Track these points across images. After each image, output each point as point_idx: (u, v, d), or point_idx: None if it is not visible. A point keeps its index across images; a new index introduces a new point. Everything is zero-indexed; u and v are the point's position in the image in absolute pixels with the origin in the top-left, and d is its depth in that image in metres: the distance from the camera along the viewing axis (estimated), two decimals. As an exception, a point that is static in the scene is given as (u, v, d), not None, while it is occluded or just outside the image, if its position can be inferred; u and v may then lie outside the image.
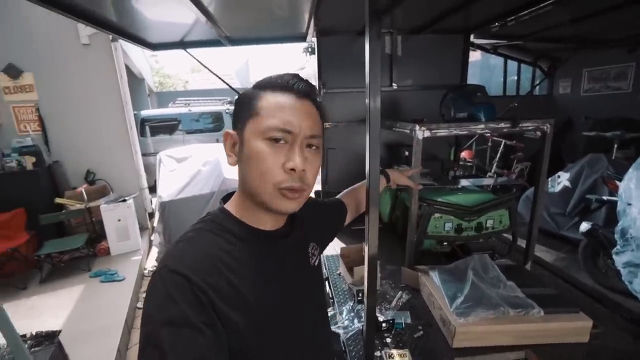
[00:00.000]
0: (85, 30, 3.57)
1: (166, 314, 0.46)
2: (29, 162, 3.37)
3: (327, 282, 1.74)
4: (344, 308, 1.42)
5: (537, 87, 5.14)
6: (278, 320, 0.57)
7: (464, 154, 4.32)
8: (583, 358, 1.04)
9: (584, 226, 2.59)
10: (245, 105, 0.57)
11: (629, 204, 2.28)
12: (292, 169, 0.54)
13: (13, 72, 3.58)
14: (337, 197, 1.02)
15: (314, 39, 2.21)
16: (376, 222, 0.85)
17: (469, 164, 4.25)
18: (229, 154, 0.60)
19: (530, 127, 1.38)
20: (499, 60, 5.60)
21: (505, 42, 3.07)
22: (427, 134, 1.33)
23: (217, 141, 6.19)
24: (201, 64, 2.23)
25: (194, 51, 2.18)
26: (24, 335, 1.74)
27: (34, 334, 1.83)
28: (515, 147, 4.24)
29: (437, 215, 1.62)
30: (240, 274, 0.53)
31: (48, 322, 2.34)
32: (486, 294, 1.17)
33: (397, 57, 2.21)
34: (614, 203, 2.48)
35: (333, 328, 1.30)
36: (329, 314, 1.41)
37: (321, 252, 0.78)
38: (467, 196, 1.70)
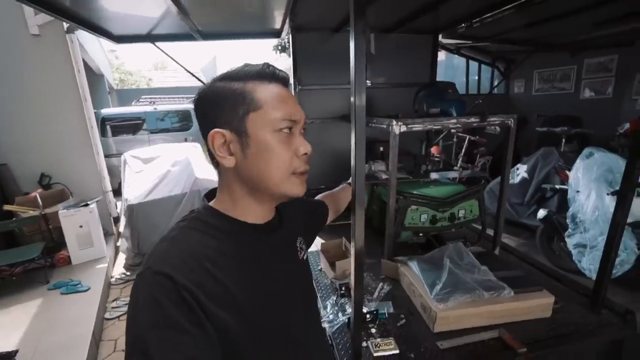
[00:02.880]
0: (34, 19, 3.25)
1: (151, 317, 0.44)
2: (-31, 165, 3.02)
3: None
4: (327, 302, 1.44)
5: (496, 87, 5.51)
6: (269, 315, 0.56)
7: (432, 150, 4.53)
8: (548, 330, 1.15)
9: (541, 213, 2.84)
10: (232, 100, 0.54)
11: (578, 191, 2.54)
12: (305, 154, 0.58)
13: (-54, 65, 3.18)
14: (316, 198, 1.04)
15: (289, 36, 2.20)
16: (362, 218, 0.87)
17: (437, 159, 4.46)
18: (223, 155, 0.56)
19: (497, 122, 1.49)
20: (462, 61, 5.93)
21: (470, 42, 3.26)
22: (403, 128, 1.39)
23: (186, 140, 5.95)
24: (172, 59, 2.13)
25: (161, 46, 2.08)
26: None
27: (-14, 355, 1.65)
28: (478, 142, 4.52)
29: (413, 207, 1.69)
30: (228, 270, 0.52)
31: (0, 343, 2.12)
32: (462, 279, 1.25)
33: (370, 55, 2.26)
34: (565, 191, 2.75)
35: (319, 322, 1.31)
36: (314, 309, 1.43)
37: (307, 247, 0.79)
38: (440, 188, 1.79)
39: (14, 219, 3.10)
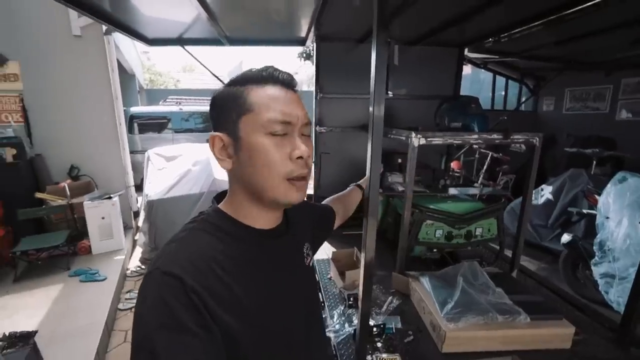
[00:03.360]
0: (77, 22, 3.49)
1: (159, 317, 0.44)
2: (9, 154, 3.23)
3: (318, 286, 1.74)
4: (334, 312, 1.42)
5: (523, 104, 5.34)
6: (273, 321, 0.56)
7: (452, 165, 4.43)
8: (566, 364, 1.08)
9: (565, 238, 2.69)
10: (230, 104, 0.55)
11: (607, 218, 2.40)
12: (300, 157, 0.55)
13: (-2, 60, 3.45)
14: (324, 202, 1.03)
15: (313, 44, 2.24)
16: (374, 228, 0.86)
17: (457, 174, 4.35)
18: (221, 157, 0.57)
19: (521, 140, 1.44)
20: (488, 76, 5.80)
21: (497, 57, 3.19)
22: (422, 141, 1.37)
23: (207, 141, 6.09)
24: (200, 62, 2.21)
25: (190, 49, 2.17)
26: (-4, 336, 1.65)
27: (6, 334, 1.73)
28: (501, 160, 4.38)
29: (428, 222, 1.65)
30: (235, 274, 0.52)
31: (22, 323, 2.22)
32: (475, 300, 1.20)
33: (393, 67, 2.26)
34: (593, 216, 2.60)
35: (324, 331, 1.30)
36: (320, 318, 1.41)
37: (314, 253, 0.78)
38: (458, 204, 1.74)
39: (44, 206, 3.28)
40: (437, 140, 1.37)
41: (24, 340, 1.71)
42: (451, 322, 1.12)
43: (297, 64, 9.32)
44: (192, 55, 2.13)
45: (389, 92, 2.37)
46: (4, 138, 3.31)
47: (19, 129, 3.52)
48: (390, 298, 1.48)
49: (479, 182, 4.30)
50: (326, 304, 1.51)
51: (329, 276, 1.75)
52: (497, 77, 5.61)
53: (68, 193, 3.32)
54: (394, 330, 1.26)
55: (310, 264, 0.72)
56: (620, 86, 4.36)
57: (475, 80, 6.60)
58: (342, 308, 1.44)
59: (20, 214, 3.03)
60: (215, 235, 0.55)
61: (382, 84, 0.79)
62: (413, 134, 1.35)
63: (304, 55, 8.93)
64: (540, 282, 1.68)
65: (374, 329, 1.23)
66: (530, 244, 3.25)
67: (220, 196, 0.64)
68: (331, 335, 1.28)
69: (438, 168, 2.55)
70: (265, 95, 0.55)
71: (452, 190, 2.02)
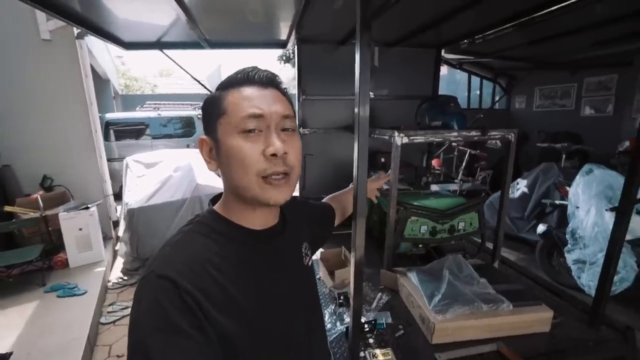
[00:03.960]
0: (46, 25, 3.32)
1: (154, 321, 0.44)
2: (-27, 165, 3.04)
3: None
4: (325, 311, 1.43)
5: (497, 102, 5.58)
6: (270, 321, 0.56)
7: (433, 162, 4.57)
8: (546, 345, 1.14)
9: (541, 228, 2.83)
10: (211, 108, 0.57)
11: (577, 207, 2.55)
12: (274, 154, 0.53)
13: (-43, 65, 3.24)
14: (323, 201, 1.03)
15: (294, 47, 2.25)
16: (363, 227, 0.88)
17: (437, 171, 4.49)
18: (207, 160, 0.59)
19: (498, 136, 1.51)
20: (464, 76, 6.02)
21: (472, 58, 3.32)
22: (405, 140, 1.41)
23: (188, 147, 5.99)
24: (179, 66, 2.17)
25: (168, 53, 2.13)
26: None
27: (-21, 356, 1.63)
28: (479, 156, 4.55)
29: (413, 218, 1.70)
30: (230, 276, 0.52)
31: (-6, 344, 2.10)
32: (461, 291, 1.24)
33: (374, 68, 2.31)
34: (565, 206, 2.75)
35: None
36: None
37: (313, 253, 0.78)
38: (441, 200, 1.80)
39: (14, 220, 3.10)
40: (419, 139, 1.42)
41: (-2, 362, 1.62)
42: (439, 314, 1.16)
43: (277, 67, 9.31)
44: (171, 59, 2.09)
45: (371, 93, 2.42)
46: (-33, 149, 3.11)
47: (-17, 138, 3.32)
48: (379, 294, 1.50)
49: (459, 178, 4.45)
50: (317, 304, 1.52)
51: (318, 276, 1.76)
52: (472, 77, 5.84)
53: (41, 205, 3.15)
54: (384, 326, 1.29)
55: (309, 264, 0.71)
56: (583, 84, 4.65)
57: (452, 81, 6.82)
58: (333, 307, 1.46)
59: (-12, 229, 2.85)
60: (210, 237, 0.55)
61: (366, 85, 0.81)
62: (396, 133, 1.39)
63: (284, 58, 8.94)
64: (520, 272, 1.76)
65: (366, 326, 1.25)
66: (509, 236, 3.40)
67: (216, 198, 0.64)
68: (324, 334, 1.29)
69: (420, 166, 2.62)
70: (239, 96, 0.55)
71: (434, 187, 2.08)
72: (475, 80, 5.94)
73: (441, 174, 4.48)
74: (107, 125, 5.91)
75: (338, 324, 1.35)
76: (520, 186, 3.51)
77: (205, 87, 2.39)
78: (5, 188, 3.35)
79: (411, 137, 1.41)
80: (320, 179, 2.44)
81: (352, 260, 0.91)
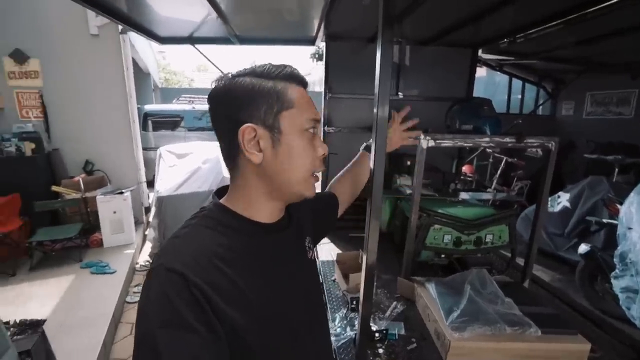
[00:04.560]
0: (94, 21, 3.58)
1: (162, 314, 0.45)
2: (28, 148, 3.35)
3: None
4: (337, 315, 1.40)
5: (541, 107, 5.17)
6: (278, 315, 0.56)
7: (465, 168, 4.33)
8: (579, 382, 1.02)
9: (583, 248, 2.57)
10: (270, 96, 0.54)
11: (630, 228, 2.27)
12: (323, 154, 0.60)
13: (19, 57, 3.57)
14: (331, 183, 0.98)
15: (323, 44, 2.22)
16: (376, 231, 0.83)
17: (469, 178, 4.25)
18: (252, 151, 0.54)
19: (536, 144, 1.38)
20: (504, 78, 5.65)
21: (513, 59, 3.09)
22: (431, 143, 1.33)
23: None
24: (208, 60, 2.23)
25: (202, 48, 2.19)
26: (7, 322, 1.70)
27: (17, 321, 1.78)
28: (516, 165, 4.24)
29: (436, 226, 1.61)
30: (238, 268, 0.52)
31: (34, 311, 2.29)
32: (483, 309, 1.15)
33: (404, 67, 2.22)
34: (614, 226, 2.47)
35: (325, 335, 1.27)
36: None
37: (315, 245, 0.78)
38: (468, 209, 1.69)
39: (59, 199, 3.38)
40: (447, 143, 1.33)
41: (33, 327, 1.75)
42: (456, 331, 1.08)
43: (310, 65, 9.34)
44: (201, 53, 2.15)
45: (400, 93, 2.33)
46: (24, 132, 3.43)
47: (38, 125, 3.65)
48: (394, 303, 1.44)
49: (493, 187, 4.18)
50: (329, 306, 1.48)
51: (333, 278, 1.72)
52: (514, 79, 5.46)
53: (82, 187, 3.41)
54: (397, 337, 1.22)
55: (312, 258, 0.71)
56: (646, 90, 4.16)
57: (491, 83, 6.44)
58: (345, 311, 1.42)
59: (37, 205, 3.13)
60: (217, 230, 0.55)
61: (386, 84, 0.77)
62: (422, 136, 1.31)
63: (317, 56, 8.94)
64: (554, 294, 1.60)
65: (376, 334, 1.20)
66: (545, 253, 3.13)
67: (220, 192, 0.63)
68: (332, 338, 1.25)
69: (448, 171, 2.49)
70: (303, 94, 0.58)
71: (464, 195, 1.96)
72: (517, 83, 5.55)
73: (473, 182, 4.25)
74: (145, 116, 6.27)
75: (348, 329, 1.30)
76: (562, 200, 3.22)
77: (235, 74, 2.42)
78: (54, 170, 3.67)
79: (438, 141, 1.32)
80: (343, 179, 2.39)
81: (363, 265, 0.86)
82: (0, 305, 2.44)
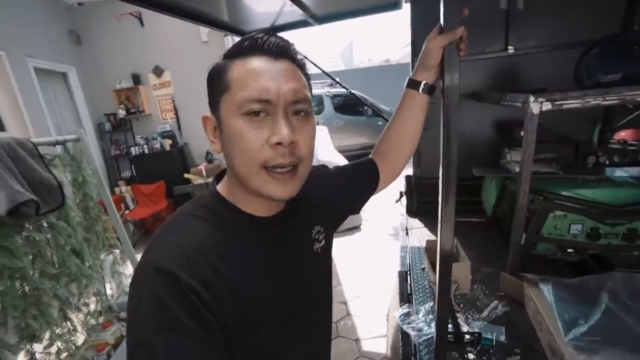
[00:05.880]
0: (204, 29, 4.17)
1: (156, 318, 0.42)
2: (167, 143, 4.26)
3: (407, 276, 1.60)
4: (421, 307, 1.28)
5: None
6: (274, 313, 0.53)
7: (623, 134, 3.20)
8: None
9: None
10: (215, 81, 0.50)
11: None
12: (279, 143, 0.46)
13: (158, 72, 4.51)
14: (374, 149, 0.82)
15: (408, 5, 1.97)
16: (452, 215, 0.69)
17: (631, 147, 3.13)
18: (212, 140, 0.53)
19: None
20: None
21: None
22: (546, 106, 1.00)
23: (318, 123, 6.45)
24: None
25: (288, 34, 2.25)
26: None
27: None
28: None
29: (558, 213, 1.26)
30: (233, 265, 0.49)
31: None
32: (628, 329, 0.84)
33: (516, 13, 1.75)
34: None
35: (405, 327, 1.19)
36: (405, 311, 1.30)
37: (331, 233, 0.69)
38: (613, 191, 1.26)
39: (190, 184, 4.20)
40: (572, 103, 0.98)
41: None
42: (581, 353, 0.82)
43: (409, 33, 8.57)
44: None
45: (510, 48, 1.87)
46: (164, 132, 4.36)
47: (173, 124, 4.57)
48: (495, 302, 1.22)
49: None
50: (414, 297, 1.37)
51: (422, 266, 1.58)
52: None
53: (204, 174, 4.12)
54: (494, 343, 1.03)
55: (319, 250, 0.64)
56: None
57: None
58: (431, 305, 1.28)
59: (176, 190, 3.96)
60: (211, 222, 0.51)
61: (452, 44, 0.60)
62: (531, 98, 1.00)
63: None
64: None
65: (467, 336, 1.04)
66: None
67: (221, 175, 0.60)
68: (413, 332, 1.15)
69: (586, 141, 1.89)
70: (244, 69, 0.47)
71: (611, 171, 1.47)
72: None
73: (637, 152, 3.15)
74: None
75: (433, 325, 1.17)
76: None
77: (319, 68, 2.43)
78: (185, 160, 4.56)
79: (557, 102, 0.98)
80: (437, 155, 2.13)
81: (438, 256, 0.73)
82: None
